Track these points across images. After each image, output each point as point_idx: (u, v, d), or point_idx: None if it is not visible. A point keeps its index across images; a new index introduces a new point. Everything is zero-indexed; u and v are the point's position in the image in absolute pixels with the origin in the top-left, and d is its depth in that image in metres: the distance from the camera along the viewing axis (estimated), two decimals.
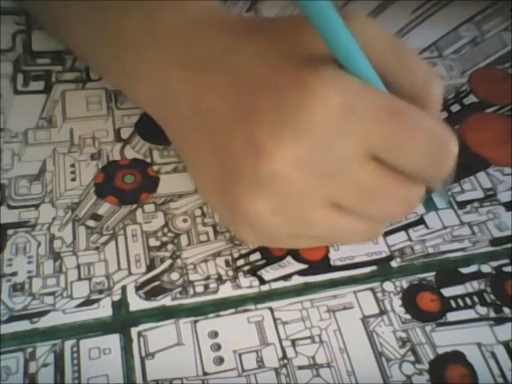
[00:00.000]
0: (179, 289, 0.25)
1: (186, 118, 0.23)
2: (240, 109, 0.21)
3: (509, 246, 0.28)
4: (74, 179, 0.28)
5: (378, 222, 0.24)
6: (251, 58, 0.21)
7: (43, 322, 0.24)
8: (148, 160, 0.29)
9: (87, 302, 0.24)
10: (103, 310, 0.24)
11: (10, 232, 0.26)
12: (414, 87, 0.21)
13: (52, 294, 0.24)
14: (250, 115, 0.20)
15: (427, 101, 0.21)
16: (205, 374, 0.23)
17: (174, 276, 0.26)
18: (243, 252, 0.27)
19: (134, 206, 0.28)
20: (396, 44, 0.21)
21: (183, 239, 0.27)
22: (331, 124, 0.19)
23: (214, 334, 0.24)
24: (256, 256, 0.27)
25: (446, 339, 0.25)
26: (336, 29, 0.18)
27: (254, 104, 0.20)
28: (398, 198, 0.21)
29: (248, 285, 0.26)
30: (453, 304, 0.26)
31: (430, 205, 0.29)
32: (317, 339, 0.24)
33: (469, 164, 0.32)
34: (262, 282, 0.26)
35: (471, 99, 0.35)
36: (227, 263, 0.26)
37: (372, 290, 0.26)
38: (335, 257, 0.27)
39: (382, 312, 0.26)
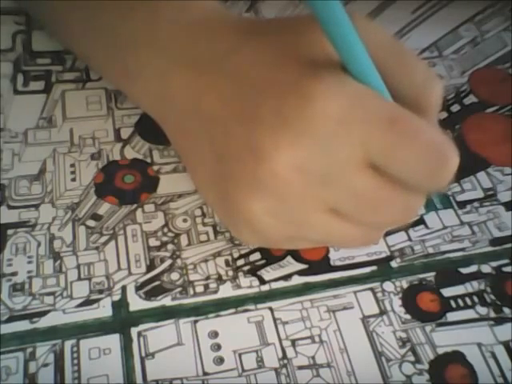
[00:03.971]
0: (179, 289, 0.25)
1: (185, 119, 0.23)
2: (240, 110, 0.21)
3: (509, 245, 0.28)
4: (74, 179, 0.28)
5: (376, 229, 0.24)
6: (252, 59, 0.21)
7: (43, 322, 0.24)
8: (148, 160, 0.29)
9: (87, 302, 0.24)
10: (103, 309, 0.24)
11: (9, 232, 0.26)
12: (414, 89, 0.21)
13: (52, 293, 0.24)
14: (250, 117, 0.20)
15: (427, 102, 0.21)
16: (205, 373, 0.23)
17: (174, 276, 0.26)
18: (243, 252, 0.27)
19: (134, 205, 0.28)
20: (396, 45, 0.21)
21: (183, 239, 0.27)
22: (330, 129, 0.19)
23: (214, 334, 0.24)
24: (256, 256, 0.27)
25: (446, 339, 0.25)
26: (345, 31, 0.18)
27: (254, 106, 0.20)
28: (396, 205, 0.21)
29: (248, 285, 0.26)
30: (453, 304, 0.26)
31: (430, 205, 0.29)
32: (317, 339, 0.24)
33: (469, 164, 0.32)
34: (262, 282, 0.26)
35: (471, 99, 0.35)
36: (227, 263, 0.26)
37: (372, 290, 0.26)
38: (335, 257, 0.27)
39: (382, 312, 0.26)
